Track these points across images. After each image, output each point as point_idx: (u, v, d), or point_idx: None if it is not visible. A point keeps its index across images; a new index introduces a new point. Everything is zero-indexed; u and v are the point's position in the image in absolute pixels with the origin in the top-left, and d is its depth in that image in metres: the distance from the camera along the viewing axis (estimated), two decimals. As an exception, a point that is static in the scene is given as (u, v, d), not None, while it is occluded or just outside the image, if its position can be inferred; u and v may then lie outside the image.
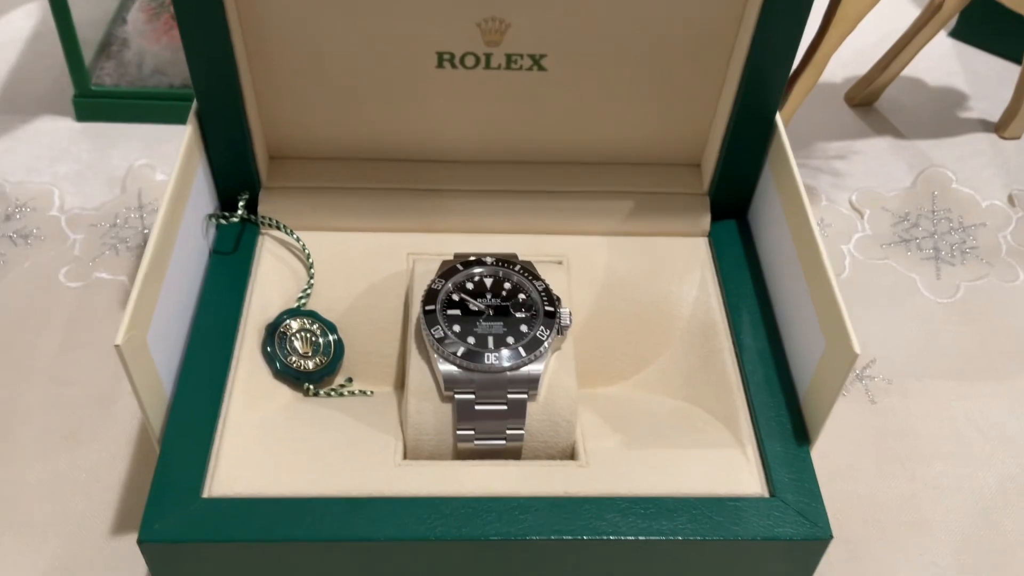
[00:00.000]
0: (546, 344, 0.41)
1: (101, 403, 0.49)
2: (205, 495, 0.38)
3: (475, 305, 0.42)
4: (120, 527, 0.44)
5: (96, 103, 0.63)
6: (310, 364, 0.44)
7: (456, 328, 0.41)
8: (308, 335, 0.45)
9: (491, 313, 0.42)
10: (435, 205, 0.49)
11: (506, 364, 0.40)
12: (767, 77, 0.44)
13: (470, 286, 0.43)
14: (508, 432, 0.40)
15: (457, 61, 0.45)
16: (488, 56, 0.44)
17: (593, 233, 0.49)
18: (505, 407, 0.40)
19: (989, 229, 0.59)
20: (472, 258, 0.44)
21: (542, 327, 0.41)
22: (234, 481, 0.39)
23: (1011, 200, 0.61)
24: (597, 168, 0.50)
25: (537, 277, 0.43)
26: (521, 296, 0.42)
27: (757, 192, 0.49)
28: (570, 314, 0.42)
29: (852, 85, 0.68)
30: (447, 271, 0.43)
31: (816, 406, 0.40)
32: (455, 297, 0.42)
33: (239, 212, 0.47)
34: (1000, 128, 0.66)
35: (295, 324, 0.45)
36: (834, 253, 0.58)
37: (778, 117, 0.46)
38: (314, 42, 0.44)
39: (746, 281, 0.47)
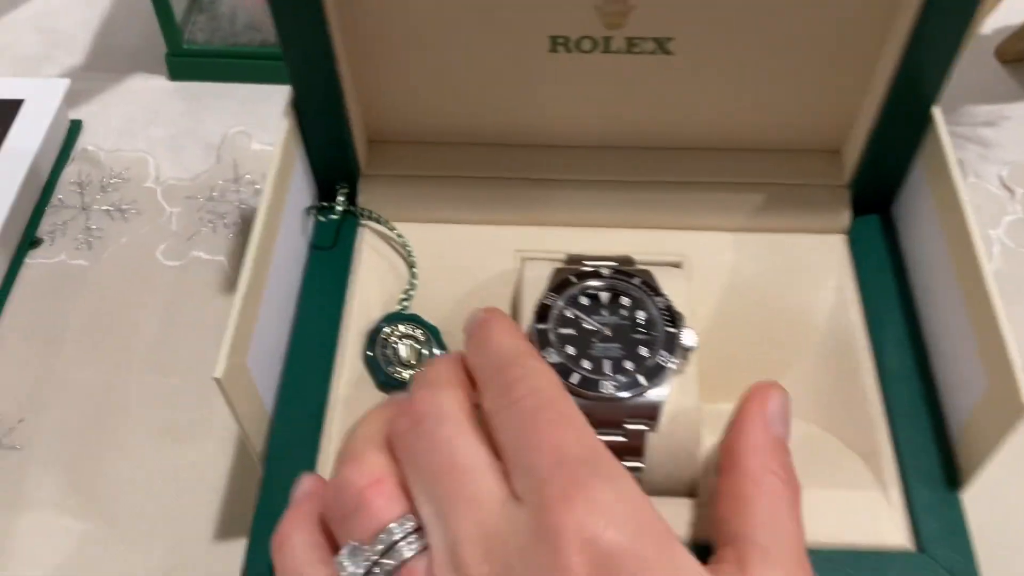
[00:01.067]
0: (668, 371, 0.37)
1: (202, 396, 0.47)
2: (309, 522, 0.37)
3: (590, 324, 0.39)
4: (223, 532, 0.43)
5: (189, 61, 0.61)
6: (414, 374, 0.42)
7: (570, 350, 0.38)
8: (412, 342, 0.42)
9: (607, 333, 0.38)
10: (545, 196, 0.45)
11: (624, 393, 0.37)
12: (927, 62, 0.38)
13: (584, 301, 0.39)
14: (626, 466, 0.37)
15: (572, 45, 0.40)
16: (607, 40, 0.40)
17: (716, 229, 0.45)
18: (623, 439, 0.37)
19: None
20: (587, 268, 0.40)
21: (663, 351, 0.38)
22: (337, 507, 0.37)
23: None
24: (722, 155, 0.45)
25: (658, 292, 0.39)
26: (640, 314, 0.39)
27: (905, 184, 0.44)
28: (695, 335, 0.38)
29: (1004, 39, 0.61)
30: (560, 283, 0.40)
31: (972, 451, 0.36)
32: (568, 314, 0.39)
33: (340, 205, 0.44)
34: None
35: (398, 330, 0.42)
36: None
37: (936, 109, 0.40)
38: (417, 21, 0.40)
39: (890, 289, 0.42)
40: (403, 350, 0.42)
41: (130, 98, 0.61)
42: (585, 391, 0.37)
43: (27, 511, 0.44)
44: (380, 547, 0.29)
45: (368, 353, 0.42)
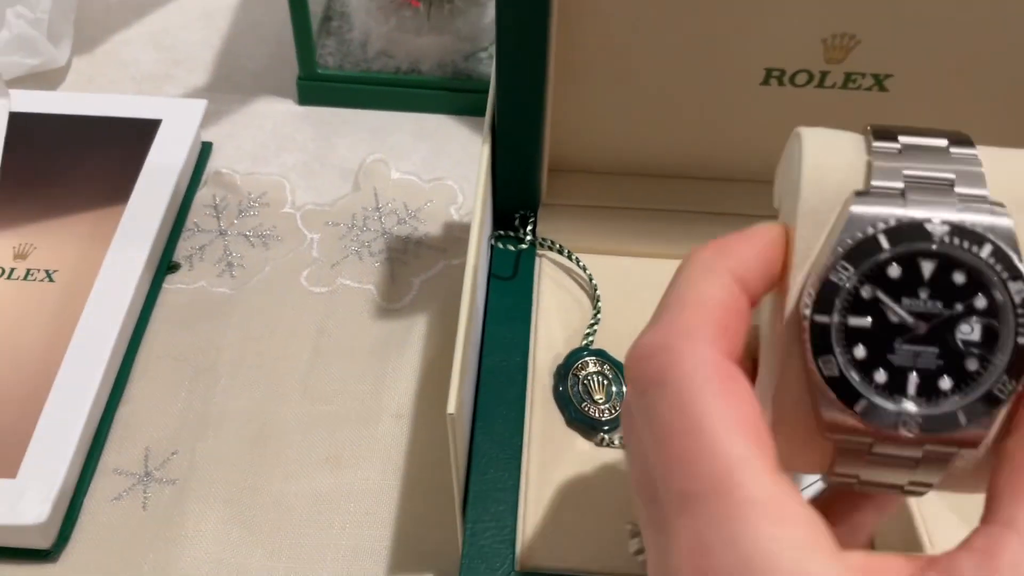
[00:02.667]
0: (1005, 405, 0.24)
1: (360, 424, 0.46)
2: (519, 568, 0.35)
3: (896, 314, 0.24)
4: (397, 566, 0.42)
5: (320, 86, 0.60)
6: (604, 411, 0.40)
7: (860, 352, 0.24)
8: (600, 378, 0.41)
9: (921, 332, 0.24)
10: (731, 232, 0.44)
11: (934, 433, 0.24)
12: None
13: (894, 273, 0.24)
14: (911, 484, 0.26)
15: (787, 79, 0.39)
16: (824, 74, 0.39)
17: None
18: (919, 455, 0.25)
19: None
20: (906, 214, 0.24)
21: (1005, 376, 0.24)
22: (544, 553, 0.36)
23: None
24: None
25: (1018, 273, 0.24)
26: (980, 302, 0.24)
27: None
28: None
29: None
30: (859, 248, 0.24)
31: None
32: (865, 294, 0.24)
33: (527, 235, 0.43)
34: None
35: (589, 366, 0.41)
36: None
37: None
38: (629, 50, 0.39)
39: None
40: (594, 385, 0.41)
41: (259, 121, 0.60)
42: (875, 426, 0.25)
43: (188, 546, 0.42)
44: None
45: (558, 388, 0.41)
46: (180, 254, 0.53)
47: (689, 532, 0.22)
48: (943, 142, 0.25)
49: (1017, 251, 0.23)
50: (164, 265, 0.52)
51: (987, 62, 0.38)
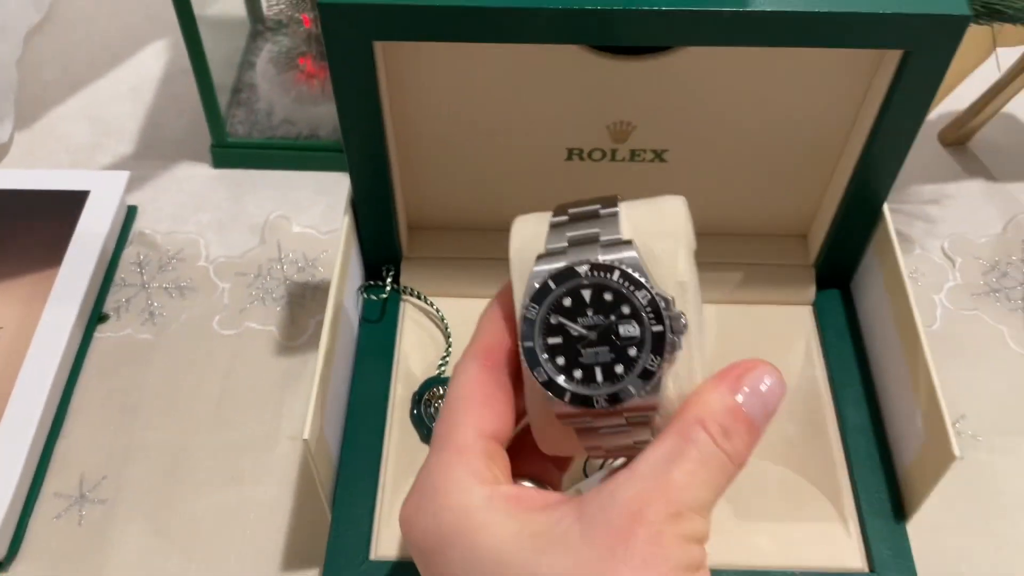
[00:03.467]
0: (658, 375, 0.33)
1: (261, 447, 0.55)
2: (372, 557, 0.44)
3: (574, 329, 0.34)
4: (289, 563, 0.50)
5: (231, 152, 0.69)
6: (452, 429, 0.50)
7: (560, 360, 0.34)
8: (449, 402, 0.50)
9: (592, 338, 0.34)
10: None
11: (617, 404, 0.34)
12: (878, 170, 0.47)
13: (567, 303, 0.34)
14: (636, 443, 0.35)
15: (585, 155, 0.49)
16: (614, 151, 0.49)
17: (703, 302, 0.53)
18: (623, 422, 0.35)
19: (1078, 279, 0.62)
20: (563, 264, 0.34)
21: (651, 355, 0.33)
22: (393, 544, 0.45)
23: (1101, 248, 0.63)
24: (707, 240, 0.53)
25: (639, 285, 0.33)
26: (625, 308, 0.34)
27: (861, 265, 0.52)
28: (684, 319, 0.34)
29: (946, 124, 0.71)
30: (539, 291, 0.34)
31: (914, 489, 0.44)
32: (553, 321, 0.34)
33: (388, 285, 0.52)
34: (1092, 171, 0.68)
35: (438, 391, 0.50)
36: (925, 303, 0.61)
37: (885, 206, 0.49)
38: (455, 134, 0.49)
39: (848, 353, 0.51)
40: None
41: (178, 184, 0.69)
42: (581, 409, 0.34)
43: (116, 554, 0.51)
44: None
45: (413, 412, 0.50)
46: (109, 306, 0.62)
47: (425, 461, 0.34)
48: (596, 207, 0.35)
49: (639, 270, 0.33)
50: (95, 317, 0.61)
51: (740, 137, 0.48)
